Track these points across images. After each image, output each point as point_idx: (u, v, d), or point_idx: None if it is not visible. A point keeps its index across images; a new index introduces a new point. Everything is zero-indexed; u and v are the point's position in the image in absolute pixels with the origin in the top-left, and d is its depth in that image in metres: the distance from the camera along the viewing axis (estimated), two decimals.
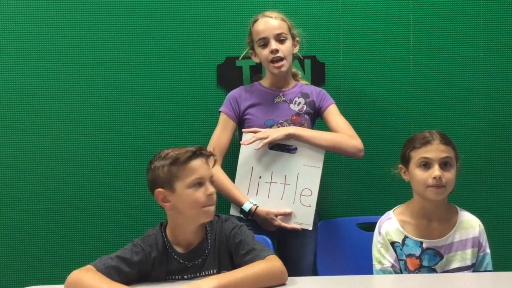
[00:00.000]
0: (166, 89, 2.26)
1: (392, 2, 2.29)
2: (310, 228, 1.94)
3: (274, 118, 2.00)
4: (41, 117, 2.23)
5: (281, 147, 1.95)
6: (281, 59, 1.96)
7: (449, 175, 1.64)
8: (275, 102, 2.03)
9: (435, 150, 1.65)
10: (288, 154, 1.91)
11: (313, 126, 2.08)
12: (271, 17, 1.97)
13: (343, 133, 1.97)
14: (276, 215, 1.91)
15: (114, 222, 2.25)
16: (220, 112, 2.06)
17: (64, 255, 2.24)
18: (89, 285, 1.35)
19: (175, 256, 1.52)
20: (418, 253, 1.65)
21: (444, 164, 1.65)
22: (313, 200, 1.92)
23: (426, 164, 1.65)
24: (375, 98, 2.30)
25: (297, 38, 2.05)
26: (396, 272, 1.65)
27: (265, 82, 2.08)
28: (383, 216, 1.75)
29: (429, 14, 2.29)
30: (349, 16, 2.28)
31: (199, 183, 1.49)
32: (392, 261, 1.65)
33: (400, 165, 1.76)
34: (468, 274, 1.60)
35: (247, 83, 2.24)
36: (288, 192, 1.91)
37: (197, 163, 1.50)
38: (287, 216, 1.93)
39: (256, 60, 2.08)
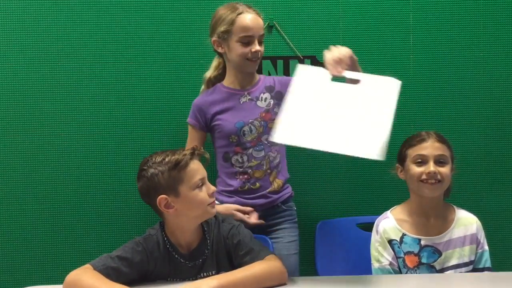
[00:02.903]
0: (166, 89, 2.26)
1: (392, 2, 2.29)
2: (378, 158, 1.51)
3: (243, 120, 1.94)
4: (41, 117, 2.23)
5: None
6: (258, 58, 1.92)
7: (444, 170, 1.68)
8: (241, 103, 1.97)
9: (430, 148, 1.70)
10: (352, 85, 1.60)
11: None
12: (257, 14, 1.90)
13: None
14: (237, 210, 1.89)
15: (114, 222, 2.25)
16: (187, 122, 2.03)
17: (64, 255, 2.24)
18: (87, 286, 1.34)
19: (176, 256, 1.52)
20: (416, 250, 1.66)
21: (439, 161, 1.69)
22: (383, 133, 1.54)
23: (421, 161, 1.69)
24: None
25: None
26: (394, 270, 1.65)
27: (228, 82, 2.00)
28: (380, 216, 1.77)
29: (429, 14, 2.29)
30: (349, 16, 2.28)
31: (202, 183, 1.50)
32: (390, 259, 1.66)
33: (397, 164, 1.79)
34: (467, 274, 1.61)
35: None
36: (348, 118, 1.55)
37: (196, 164, 1.50)
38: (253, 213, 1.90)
39: (219, 50, 1.94)
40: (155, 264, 1.51)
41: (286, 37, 2.26)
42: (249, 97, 1.97)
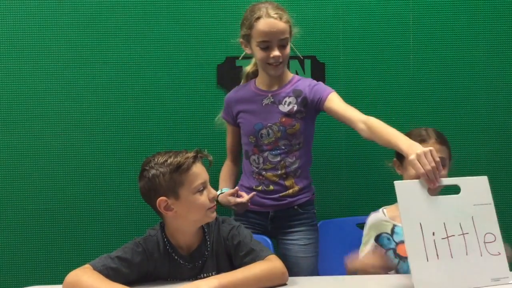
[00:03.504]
0: (166, 89, 2.26)
1: (392, 2, 2.29)
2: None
3: (262, 122, 1.94)
4: (41, 117, 2.23)
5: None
6: (281, 63, 1.89)
7: (443, 174, 1.65)
8: (263, 104, 1.95)
9: None
10: (453, 197, 1.51)
11: (311, 124, 1.99)
12: (277, 18, 1.83)
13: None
14: (230, 194, 1.88)
15: (114, 222, 2.25)
16: None
17: (64, 255, 2.24)
18: (87, 286, 1.34)
19: (176, 257, 1.52)
20: None
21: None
22: (500, 246, 1.50)
23: None
24: (375, 98, 2.30)
25: (293, 35, 1.96)
26: None
27: (259, 81, 2.00)
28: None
29: (429, 14, 2.29)
30: (349, 16, 2.28)
31: (203, 187, 1.48)
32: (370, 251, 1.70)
33: (395, 159, 1.79)
34: None
35: None
36: (470, 243, 1.48)
37: (198, 167, 1.48)
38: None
39: (247, 51, 1.95)
40: (155, 265, 1.51)
41: None
42: (272, 99, 1.94)
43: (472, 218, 1.49)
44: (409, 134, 1.74)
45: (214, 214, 1.52)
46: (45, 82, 2.23)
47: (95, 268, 1.40)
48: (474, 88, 2.31)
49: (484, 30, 2.30)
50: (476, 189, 1.51)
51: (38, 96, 2.23)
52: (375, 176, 2.27)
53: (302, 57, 2.25)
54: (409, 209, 1.45)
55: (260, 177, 1.96)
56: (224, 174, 2.08)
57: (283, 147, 1.93)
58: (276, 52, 1.84)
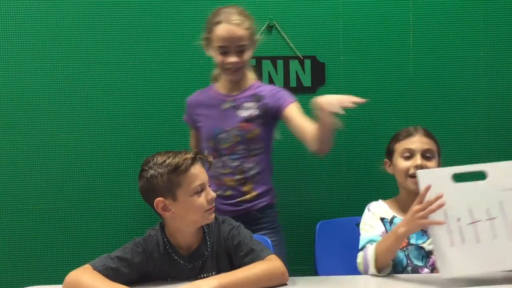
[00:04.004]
0: (166, 89, 2.26)
1: (392, 2, 2.29)
2: None
3: (221, 126, 1.90)
4: (41, 117, 2.23)
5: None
6: (239, 69, 1.86)
7: (431, 165, 1.69)
8: (223, 109, 1.91)
9: (417, 142, 1.71)
10: (480, 182, 1.51)
11: (270, 130, 1.94)
12: (236, 25, 1.81)
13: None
14: None
15: (114, 222, 2.25)
16: None
17: (64, 255, 2.24)
18: (87, 286, 1.34)
19: (176, 257, 1.52)
20: None
21: (426, 156, 1.70)
22: None
23: (409, 155, 1.71)
24: (375, 98, 2.30)
25: (257, 40, 1.93)
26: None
27: (219, 85, 1.96)
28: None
29: (429, 14, 2.29)
30: (349, 16, 2.28)
31: (201, 189, 1.47)
32: (381, 232, 1.67)
33: (385, 159, 1.82)
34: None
35: None
36: (499, 228, 1.49)
37: (197, 169, 1.47)
38: None
39: (207, 53, 1.91)
40: (155, 265, 1.50)
41: (286, 37, 2.26)
42: (232, 104, 1.91)
43: (501, 203, 1.48)
44: (398, 133, 1.79)
45: (213, 216, 1.51)
46: (45, 82, 2.23)
47: (95, 268, 1.40)
48: (474, 88, 2.31)
49: (484, 30, 2.30)
50: (505, 174, 1.50)
51: (38, 96, 2.23)
52: (375, 176, 2.26)
53: (302, 57, 2.26)
54: (432, 197, 1.48)
55: (218, 182, 1.92)
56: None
57: (241, 152, 1.89)
58: (232, 58, 1.82)
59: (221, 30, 1.82)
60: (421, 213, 1.47)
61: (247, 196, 1.92)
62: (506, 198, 1.49)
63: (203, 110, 1.96)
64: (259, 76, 2.23)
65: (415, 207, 1.49)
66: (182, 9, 2.26)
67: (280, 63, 2.26)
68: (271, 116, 1.90)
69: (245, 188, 1.92)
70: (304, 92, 2.28)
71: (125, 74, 2.25)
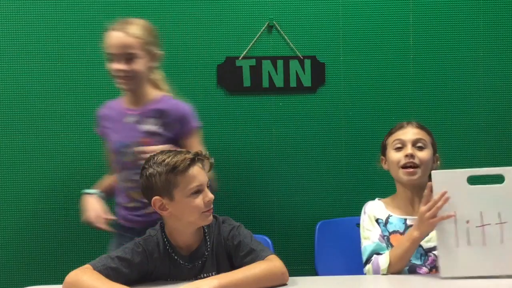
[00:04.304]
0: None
1: (392, 2, 2.29)
2: None
3: (122, 140, 1.85)
4: (41, 117, 2.23)
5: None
6: (128, 78, 1.80)
7: (423, 155, 1.66)
8: (125, 122, 1.86)
9: (408, 132, 1.70)
10: (495, 186, 1.51)
11: (173, 144, 1.85)
12: (125, 32, 1.78)
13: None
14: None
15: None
16: None
17: (64, 255, 2.24)
18: (87, 286, 1.34)
19: (176, 258, 1.52)
20: (402, 229, 1.66)
21: (418, 145, 1.68)
22: None
23: (400, 146, 1.69)
24: (375, 98, 2.30)
25: (157, 53, 1.87)
26: (383, 248, 1.65)
27: (125, 98, 1.91)
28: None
29: (429, 14, 2.29)
30: (349, 16, 2.28)
31: (198, 190, 1.47)
32: (379, 236, 1.67)
33: (381, 156, 1.81)
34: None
35: (247, 83, 2.25)
36: (507, 232, 1.50)
37: (195, 170, 1.46)
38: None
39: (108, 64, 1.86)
40: (155, 265, 1.50)
41: (286, 37, 2.26)
42: (135, 118, 1.85)
43: None
44: (391, 129, 1.78)
45: (210, 218, 1.50)
46: (45, 82, 2.23)
47: (95, 268, 1.40)
48: (474, 88, 2.31)
49: (484, 30, 2.30)
50: None
51: (38, 96, 2.23)
52: (375, 177, 2.27)
53: (302, 57, 2.26)
54: (448, 202, 1.48)
55: (125, 194, 1.89)
56: (105, 179, 1.99)
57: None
58: (118, 65, 1.78)
59: (109, 37, 1.79)
60: (429, 213, 1.48)
61: (151, 209, 1.78)
62: None
63: (109, 123, 1.92)
64: (259, 76, 2.24)
65: (422, 209, 1.50)
66: (182, 9, 2.26)
67: (280, 63, 2.26)
68: (173, 134, 1.85)
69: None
70: (304, 92, 2.28)
71: None
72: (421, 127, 1.73)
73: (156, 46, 1.87)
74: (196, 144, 1.85)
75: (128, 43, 1.78)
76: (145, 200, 1.79)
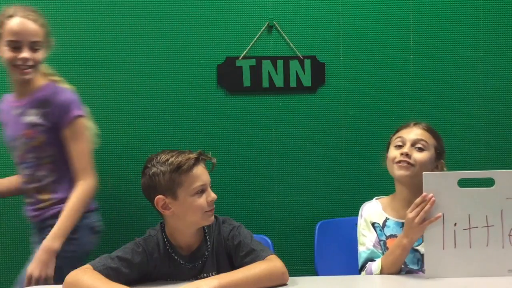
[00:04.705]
0: (166, 89, 2.26)
1: (392, 2, 2.29)
2: None
3: (12, 134, 1.83)
4: None
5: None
6: (32, 67, 1.75)
7: (419, 156, 1.64)
8: (13, 115, 1.82)
9: (411, 132, 1.69)
10: (484, 189, 1.52)
11: (59, 136, 1.80)
12: (32, 19, 1.74)
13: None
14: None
15: (114, 222, 2.24)
16: None
17: None
18: (87, 286, 1.34)
19: (176, 257, 1.52)
20: (399, 233, 1.65)
21: (417, 146, 1.66)
22: None
23: (400, 144, 1.68)
24: (375, 98, 2.30)
25: (52, 42, 1.84)
26: (377, 254, 1.64)
27: (14, 90, 1.86)
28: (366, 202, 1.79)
29: (429, 14, 2.29)
30: (349, 16, 2.28)
31: (202, 190, 1.48)
32: (374, 242, 1.67)
33: (386, 154, 1.78)
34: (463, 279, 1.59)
35: (247, 83, 2.25)
36: (493, 235, 1.52)
37: (199, 169, 1.47)
38: None
39: None
40: (155, 265, 1.51)
41: (286, 37, 2.26)
42: (19, 110, 1.81)
43: (501, 212, 1.51)
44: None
45: (212, 218, 1.51)
46: None
47: (95, 268, 1.40)
48: (474, 88, 2.31)
49: (484, 30, 2.30)
50: (511, 182, 1.51)
51: None
52: (375, 177, 2.27)
53: (302, 57, 2.26)
54: (436, 203, 1.50)
55: (24, 189, 1.88)
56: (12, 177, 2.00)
57: (32, 160, 1.81)
58: (25, 54, 1.73)
59: (14, 23, 1.72)
60: (418, 218, 1.48)
61: (47, 203, 1.83)
62: (507, 207, 1.51)
63: (3, 117, 1.91)
64: (259, 76, 2.23)
65: (409, 215, 1.50)
66: (182, 9, 2.25)
67: (280, 63, 2.26)
68: (52, 123, 1.79)
69: (41, 197, 1.84)
70: (304, 92, 2.28)
71: (126, 74, 2.25)
72: (428, 129, 1.70)
73: (49, 38, 1.84)
74: (76, 136, 1.78)
75: (35, 30, 1.75)
76: (38, 196, 1.84)
